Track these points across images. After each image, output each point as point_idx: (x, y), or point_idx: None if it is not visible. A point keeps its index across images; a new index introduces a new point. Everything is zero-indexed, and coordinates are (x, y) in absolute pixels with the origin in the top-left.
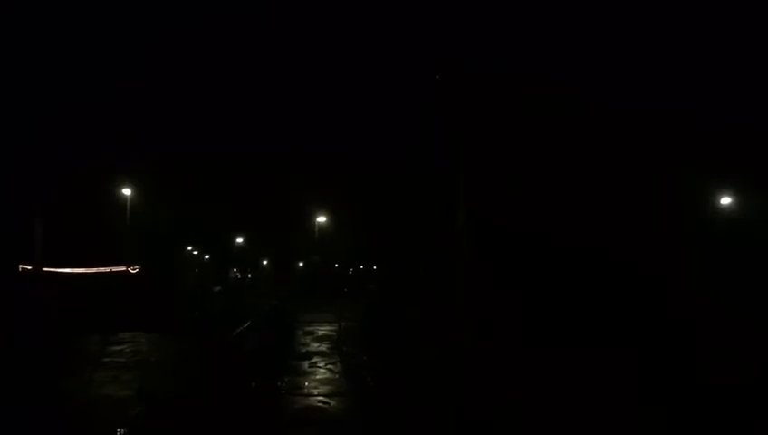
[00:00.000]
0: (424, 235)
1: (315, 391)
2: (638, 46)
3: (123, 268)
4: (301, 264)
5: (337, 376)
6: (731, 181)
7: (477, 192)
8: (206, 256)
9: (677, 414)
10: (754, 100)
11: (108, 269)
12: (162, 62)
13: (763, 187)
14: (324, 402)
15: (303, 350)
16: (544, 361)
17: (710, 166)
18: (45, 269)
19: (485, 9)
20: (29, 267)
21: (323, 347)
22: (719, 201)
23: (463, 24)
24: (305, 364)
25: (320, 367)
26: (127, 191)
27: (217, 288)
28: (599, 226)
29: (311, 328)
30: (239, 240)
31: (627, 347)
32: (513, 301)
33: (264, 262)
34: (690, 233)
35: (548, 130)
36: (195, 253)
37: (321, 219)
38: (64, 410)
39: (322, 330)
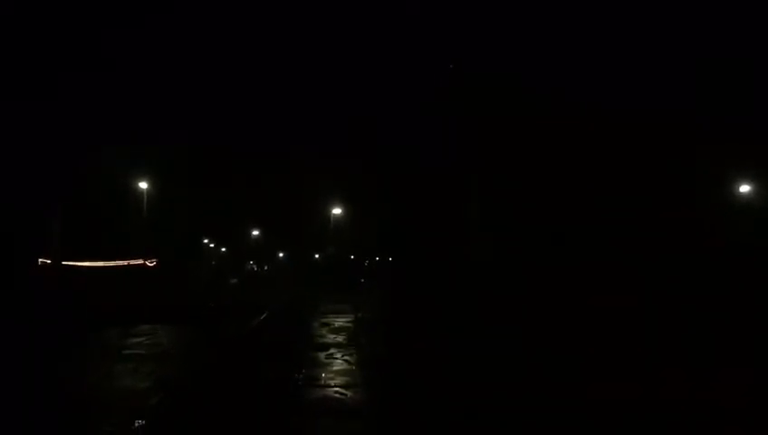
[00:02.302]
0: (437, 225)
1: (332, 383)
2: (643, 45)
3: (141, 261)
4: (317, 256)
5: (354, 367)
6: (737, 178)
7: (489, 184)
8: (223, 249)
9: None
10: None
11: (125, 262)
12: (181, 55)
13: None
14: (341, 394)
15: (320, 341)
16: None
17: (716, 162)
18: (64, 263)
19: (488, 10)
20: (48, 261)
21: (340, 338)
22: (732, 192)
23: (469, 26)
24: (322, 356)
25: (336, 358)
26: (144, 185)
27: (234, 280)
28: (604, 215)
29: (327, 319)
30: (255, 233)
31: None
32: (523, 286)
33: (281, 254)
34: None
35: (557, 127)
36: (212, 246)
37: (337, 211)
38: (85, 401)
39: (339, 321)
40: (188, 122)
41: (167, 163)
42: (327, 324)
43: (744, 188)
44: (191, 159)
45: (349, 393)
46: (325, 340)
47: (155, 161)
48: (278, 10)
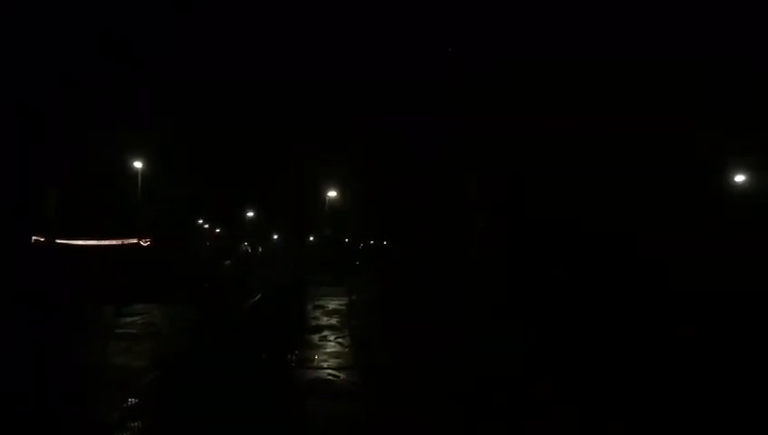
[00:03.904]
0: (434, 209)
1: (325, 365)
2: (644, 31)
3: (135, 241)
4: (311, 238)
5: (347, 350)
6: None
7: (489, 168)
8: (218, 230)
9: None
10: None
11: (120, 242)
12: (175, 34)
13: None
14: (334, 376)
15: (314, 323)
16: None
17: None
18: (58, 241)
19: (487, 9)
20: (42, 239)
21: (333, 321)
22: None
23: (468, 24)
24: (315, 338)
25: (330, 341)
26: (138, 164)
27: (228, 261)
28: (598, 201)
29: (321, 302)
30: (250, 214)
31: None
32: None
33: (275, 236)
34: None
35: (554, 114)
36: (206, 226)
37: (332, 194)
38: (81, 378)
39: (333, 304)
40: (186, 99)
41: (163, 143)
42: (321, 307)
43: (740, 180)
44: (187, 138)
45: (341, 375)
46: (319, 322)
47: (150, 141)
48: (278, 8)
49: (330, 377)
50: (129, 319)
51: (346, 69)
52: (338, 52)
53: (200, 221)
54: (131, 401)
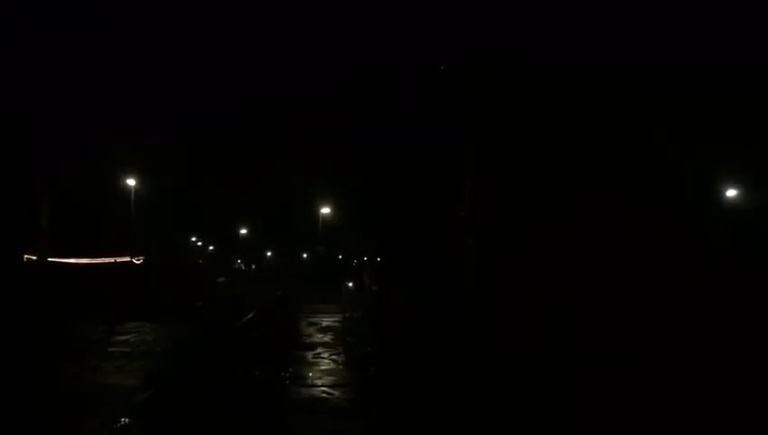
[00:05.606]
0: (426, 225)
1: (319, 382)
2: (639, 27)
3: (127, 259)
4: (305, 255)
5: (341, 367)
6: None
7: (482, 179)
8: (211, 247)
9: None
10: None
11: (112, 260)
12: (166, 49)
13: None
14: (328, 393)
15: (307, 341)
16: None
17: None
18: (50, 260)
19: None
20: (34, 257)
21: (327, 338)
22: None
23: (468, 11)
24: (309, 355)
25: (323, 358)
26: (131, 182)
27: (221, 279)
28: (596, 213)
29: (315, 319)
30: (243, 231)
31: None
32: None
33: (269, 253)
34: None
35: (553, 121)
36: (199, 244)
37: (326, 210)
38: (71, 398)
39: (326, 321)
40: (181, 115)
41: (155, 160)
42: (314, 324)
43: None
44: (180, 155)
45: (336, 393)
46: (312, 339)
47: (143, 157)
48: (276, 8)
49: (324, 395)
50: (122, 337)
51: (342, 77)
52: (334, 59)
53: (193, 239)
54: (124, 420)
